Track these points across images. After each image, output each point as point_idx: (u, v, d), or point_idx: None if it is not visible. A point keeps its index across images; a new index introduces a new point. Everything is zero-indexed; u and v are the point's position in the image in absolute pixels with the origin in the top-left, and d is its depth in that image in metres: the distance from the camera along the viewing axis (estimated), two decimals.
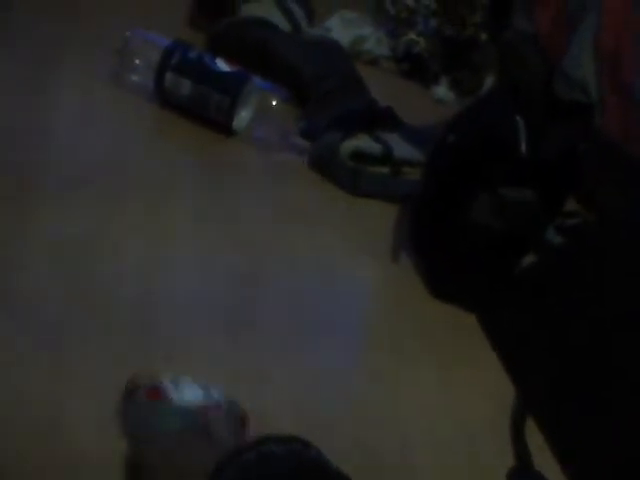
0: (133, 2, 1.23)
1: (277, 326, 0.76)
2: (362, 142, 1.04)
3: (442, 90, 1.01)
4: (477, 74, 0.97)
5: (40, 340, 0.66)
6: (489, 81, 0.96)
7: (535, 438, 0.72)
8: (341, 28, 1.31)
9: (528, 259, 0.87)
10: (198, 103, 1.01)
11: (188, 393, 0.58)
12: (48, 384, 0.64)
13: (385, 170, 1.04)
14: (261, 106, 1.01)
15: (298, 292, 0.82)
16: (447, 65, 1.04)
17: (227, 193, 0.94)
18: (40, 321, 0.68)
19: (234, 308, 0.76)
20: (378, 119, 1.09)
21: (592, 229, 0.94)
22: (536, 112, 0.82)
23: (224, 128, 1.01)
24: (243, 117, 1.01)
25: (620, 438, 0.69)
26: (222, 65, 1.01)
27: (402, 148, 1.06)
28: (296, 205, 0.95)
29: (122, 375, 0.59)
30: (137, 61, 1.03)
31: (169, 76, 1.00)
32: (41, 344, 0.66)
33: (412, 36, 1.37)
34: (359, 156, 1.03)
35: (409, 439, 0.70)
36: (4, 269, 0.72)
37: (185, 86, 1.00)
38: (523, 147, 0.78)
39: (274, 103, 1.01)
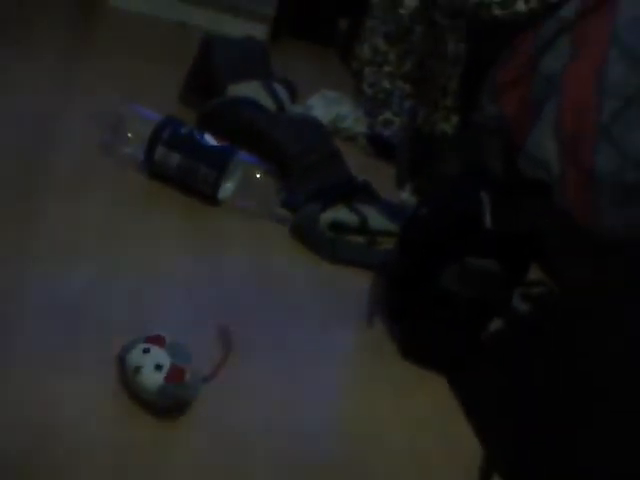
0: (128, 80, 1.30)
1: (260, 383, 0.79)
2: (340, 213, 1.10)
3: (406, 195, 1.16)
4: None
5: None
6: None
7: None
8: (322, 106, 1.39)
9: (495, 325, 0.92)
10: (186, 175, 1.06)
11: None
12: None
13: (361, 240, 1.09)
14: (246, 178, 1.07)
15: (279, 350, 0.85)
16: (412, 173, 1.17)
17: (211, 257, 0.98)
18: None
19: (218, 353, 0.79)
20: (355, 192, 1.15)
21: (555, 298, 0.99)
22: (500, 189, 0.89)
23: (210, 198, 1.07)
24: (228, 188, 1.07)
25: None
26: (210, 140, 1.07)
27: (377, 219, 1.11)
28: (278, 270, 1.00)
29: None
30: (129, 134, 1.09)
31: (160, 149, 1.06)
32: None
33: (388, 116, 1.46)
34: (337, 226, 1.08)
35: None
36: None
37: (174, 159, 1.06)
38: (487, 221, 0.85)
39: (258, 175, 1.07)
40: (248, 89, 1.26)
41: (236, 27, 1.53)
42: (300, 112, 1.34)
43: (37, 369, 0.70)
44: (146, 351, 0.69)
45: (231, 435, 0.71)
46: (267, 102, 1.27)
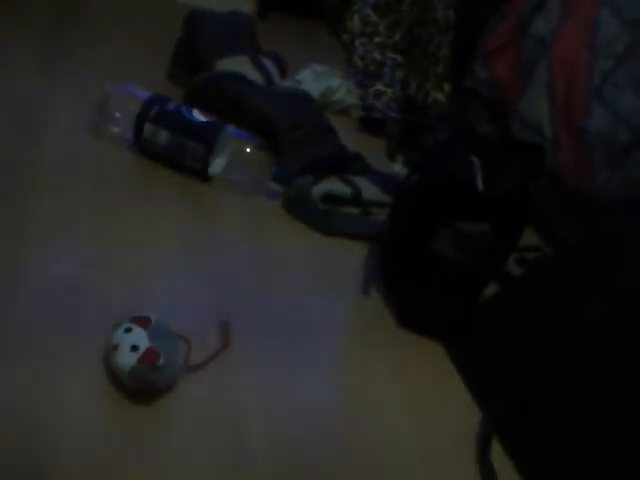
0: (114, 58, 1.29)
1: (260, 359, 0.79)
2: (333, 185, 1.09)
3: (398, 167, 1.16)
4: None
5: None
6: None
7: (500, 458, 0.75)
8: (312, 80, 1.37)
9: (491, 289, 0.92)
10: (175, 152, 1.06)
11: None
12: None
13: (355, 211, 1.09)
14: (236, 153, 1.06)
15: (275, 322, 0.85)
16: (402, 146, 1.18)
17: (205, 234, 0.97)
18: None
19: (211, 346, 0.78)
20: (347, 164, 1.14)
21: (550, 261, 0.99)
22: (491, 152, 0.88)
23: (200, 174, 1.06)
24: (218, 163, 1.06)
25: (583, 456, 0.73)
26: (198, 116, 1.06)
27: (370, 190, 1.11)
28: (275, 245, 0.99)
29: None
30: (117, 113, 1.07)
31: (148, 127, 1.05)
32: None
33: (379, 87, 1.45)
34: (330, 198, 1.08)
35: (376, 461, 0.72)
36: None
37: (163, 136, 1.05)
38: (479, 184, 0.84)
39: (248, 150, 1.06)
40: (236, 64, 1.24)
41: (222, 1, 1.51)
42: (290, 86, 1.32)
43: (36, 352, 0.71)
44: (128, 330, 0.69)
45: (229, 418, 0.71)
46: (255, 77, 1.25)
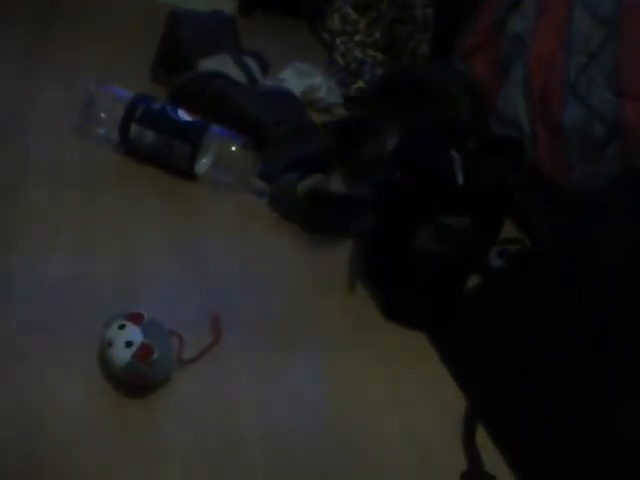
0: (97, 59, 1.29)
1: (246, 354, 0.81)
2: (317, 182, 1.11)
3: (335, 184, 1.00)
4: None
5: None
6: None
7: (485, 443, 0.78)
8: (294, 79, 1.39)
9: (473, 281, 0.95)
10: (161, 152, 1.07)
11: None
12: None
13: (339, 208, 1.11)
14: (221, 152, 1.07)
15: (261, 320, 0.86)
16: (340, 157, 1.00)
17: (192, 232, 0.98)
18: None
19: (202, 342, 0.80)
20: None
21: (527, 254, 1.01)
22: (471, 147, 0.90)
23: (186, 173, 1.07)
24: (204, 163, 1.08)
25: (565, 439, 0.75)
26: (183, 115, 1.08)
27: (353, 187, 1.12)
28: (260, 243, 1.01)
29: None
30: (102, 114, 1.08)
31: (134, 127, 1.06)
32: None
33: (361, 84, 1.47)
34: (314, 195, 1.09)
35: (366, 454, 0.74)
36: None
37: (149, 136, 1.06)
38: (459, 179, 0.86)
39: (233, 149, 1.07)
40: (219, 63, 1.26)
41: (204, 2, 1.52)
42: (272, 85, 1.33)
43: (21, 353, 0.71)
44: (121, 327, 0.70)
45: (218, 411, 0.72)
46: (238, 76, 1.26)
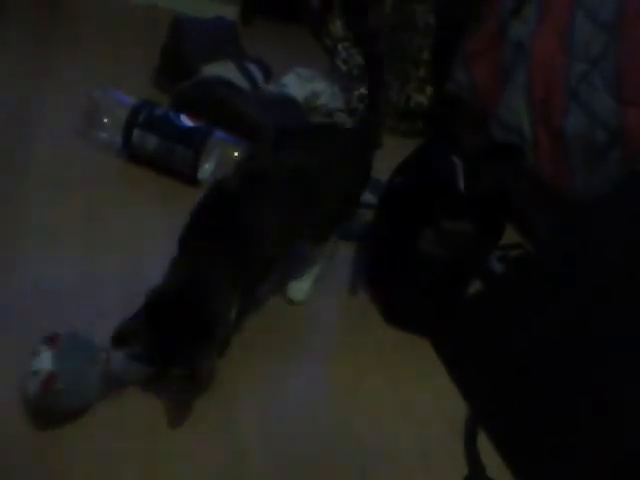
0: (101, 65, 1.30)
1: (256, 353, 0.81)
2: None
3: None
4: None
5: None
6: None
7: (487, 447, 0.78)
8: (296, 84, 1.39)
9: (474, 286, 0.95)
10: (164, 156, 1.07)
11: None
12: None
13: None
14: (223, 157, 1.08)
15: (264, 322, 0.87)
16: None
17: None
18: None
19: None
20: None
21: (528, 258, 1.01)
22: (472, 154, 0.90)
23: (189, 179, 1.08)
24: (206, 168, 1.08)
25: (565, 439, 0.75)
26: (186, 121, 1.08)
27: None
28: None
29: None
30: (105, 119, 1.09)
31: (136, 132, 1.07)
32: None
33: (363, 90, 1.47)
34: None
35: (366, 455, 0.74)
36: None
37: (152, 141, 1.07)
38: (461, 185, 0.87)
39: (235, 154, 1.08)
40: (221, 69, 1.26)
41: (206, 8, 1.52)
42: (274, 91, 1.34)
43: (19, 352, 0.70)
44: (35, 354, 0.65)
45: (224, 417, 0.73)
46: (241, 82, 1.27)
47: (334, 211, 0.86)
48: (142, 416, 0.70)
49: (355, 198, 0.93)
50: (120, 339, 0.67)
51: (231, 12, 1.64)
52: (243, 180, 0.77)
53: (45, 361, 0.64)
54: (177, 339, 0.67)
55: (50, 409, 0.65)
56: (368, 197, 1.13)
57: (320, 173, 0.81)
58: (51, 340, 0.66)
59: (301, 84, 1.40)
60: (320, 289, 0.95)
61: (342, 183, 0.85)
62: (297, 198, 0.78)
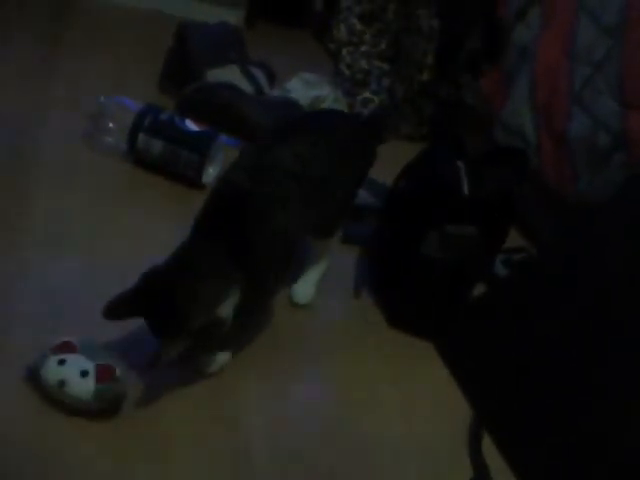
0: (106, 70, 1.31)
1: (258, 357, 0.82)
2: None
3: None
4: None
5: None
6: None
7: (490, 449, 0.78)
8: (301, 89, 1.40)
9: (478, 290, 0.95)
10: (169, 161, 1.08)
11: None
12: None
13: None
14: (228, 161, 1.08)
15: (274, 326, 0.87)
16: None
17: None
18: None
19: None
20: None
21: (532, 262, 1.02)
22: (476, 158, 0.91)
23: (194, 182, 1.08)
24: (211, 172, 1.09)
25: (565, 439, 0.75)
26: (191, 125, 1.09)
27: (362, 196, 1.13)
28: None
29: None
30: (111, 124, 1.10)
31: (142, 137, 1.07)
32: None
33: (367, 95, 1.48)
34: None
35: (370, 456, 0.75)
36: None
37: (157, 145, 1.07)
38: (465, 189, 0.87)
39: None
40: (226, 74, 1.27)
41: (210, 13, 1.53)
42: (279, 95, 1.35)
43: (20, 352, 0.71)
44: (61, 362, 0.66)
45: (228, 417, 0.73)
46: (245, 86, 1.28)
47: (341, 202, 0.85)
48: (142, 416, 0.70)
49: (358, 183, 0.91)
50: (111, 310, 0.68)
51: (235, 17, 1.65)
52: (251, 175, 0.77)
53: (81, 361, 0.66)
54: (150, 314, 0.68)
55: (117, 397, 0.67)
56: (372, 201, 1.14)
57: (326, 163, 0.81)
58: (64, 347, 0.67)
59: (305, 89, 1.41)
60: (323, 290, 0.95)
61: (346, 173, 0.84)
62: (305, 190, 0.77)
